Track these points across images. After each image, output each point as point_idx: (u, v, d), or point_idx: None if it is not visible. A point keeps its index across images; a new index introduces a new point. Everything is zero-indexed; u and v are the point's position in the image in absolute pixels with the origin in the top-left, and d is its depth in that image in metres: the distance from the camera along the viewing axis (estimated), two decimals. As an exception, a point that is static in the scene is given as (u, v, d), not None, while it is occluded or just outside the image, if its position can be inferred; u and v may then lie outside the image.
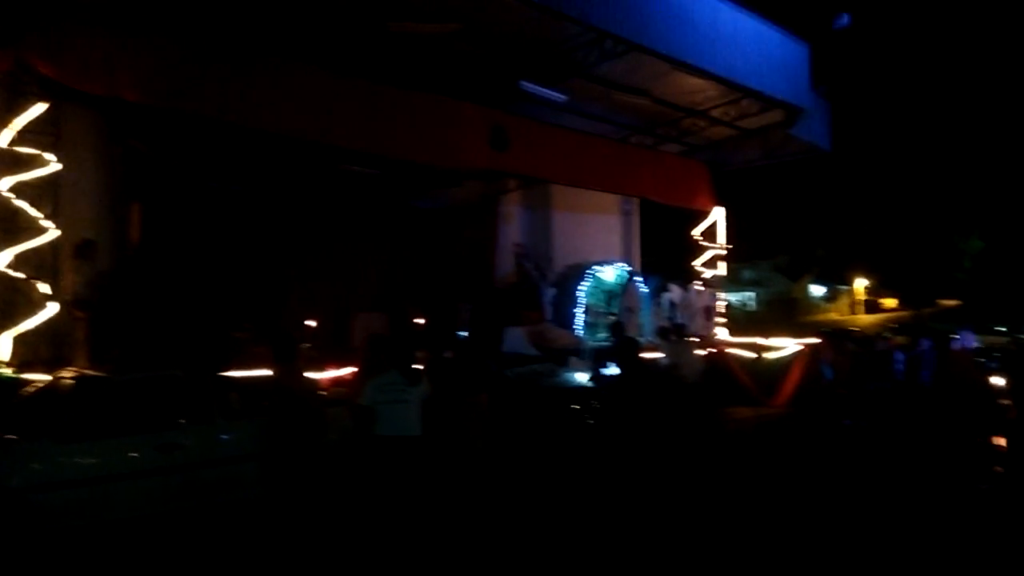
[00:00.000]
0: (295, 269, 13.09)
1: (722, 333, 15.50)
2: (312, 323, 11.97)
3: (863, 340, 14.50)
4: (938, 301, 43.88)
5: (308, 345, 9.72)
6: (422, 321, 12.66)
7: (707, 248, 15.95)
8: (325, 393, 6.94)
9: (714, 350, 12.63)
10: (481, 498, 6.17)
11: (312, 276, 13.31)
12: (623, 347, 7.58)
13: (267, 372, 6.13)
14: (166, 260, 10.95)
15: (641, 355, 8.33)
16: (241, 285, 11.90)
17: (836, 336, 13.53)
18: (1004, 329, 26.91)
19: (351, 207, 13.95)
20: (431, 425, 5.67)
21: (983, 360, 14.68)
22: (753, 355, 13.08)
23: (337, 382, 8.07)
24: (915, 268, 40.91)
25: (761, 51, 12.83)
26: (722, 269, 16.15)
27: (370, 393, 5.55)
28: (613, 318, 14.01)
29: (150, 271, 10.33)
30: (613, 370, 8.87)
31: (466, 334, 11.70)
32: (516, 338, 11.94)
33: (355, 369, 7.12)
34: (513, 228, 16.16)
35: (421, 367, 5.95)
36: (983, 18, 49.29)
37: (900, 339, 19.06)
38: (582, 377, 10.15)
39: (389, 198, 14.64)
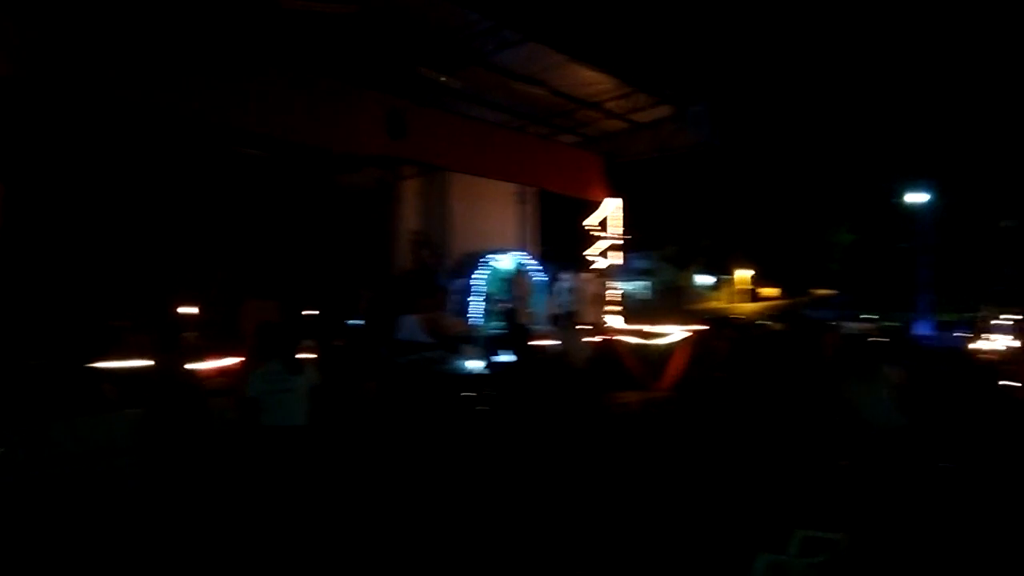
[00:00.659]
0: (182, 255, 12.51)
1: (615, 321, 16.01)
2: (198, 311, 11.50)
3: (742, 327, 15.37)
4: (813, 291, 46.93)
5: (195, 334, 9.35)
6: (316, 309, 12.43)
7: (602, 237, 16.41)
8: (209, 383, 6.73)
9: (604, 337, 13.03)
10: (368, 485, 6.17)
11: (201, 262, 12.77)
12: (515, 334, 7.77)
13: (147, 362, 5.89)
14: (34, 245, 10.23)
15: (532, 342, 8.56)
16: (122, 271, 11.28)
17: (717, 323, 14.24)
18: (875, 316, 29.07)
19: (243, 191, 13.47)
20: (319, 414, 5.62)
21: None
22: (641, 341, 13.58)
23: (222, 372, 7.83)
24: (792, 259, 43.62)
25: (655, 50, 13.28)
26: (618, 258, 16.66)
27: (255, 383, 5.44)
28: (506, 305, 14.21)
29: (15, 256, 9.63)
30: (506, 357, 9.06)
31: (360, 322, 11.58)
32: (410, 325, 11.90)
33: (243, 359, 6.94)
34: (411, 215, 16.07)
35: (306, 356, 5.87)
36: (856, 20, 52.65)
37: (778, 326, 20.35)
38: (475, 364, 10.27)
39: (283, 182, 14.24)
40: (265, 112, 9.77)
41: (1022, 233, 42.37)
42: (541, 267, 16.12)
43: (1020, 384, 7.36)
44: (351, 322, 11.65)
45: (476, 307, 14.40)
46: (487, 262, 14.92)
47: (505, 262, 15.47)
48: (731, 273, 54.71)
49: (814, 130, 43.54)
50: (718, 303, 51.98)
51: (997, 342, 9.10)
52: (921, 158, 38.43)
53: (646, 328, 14.54)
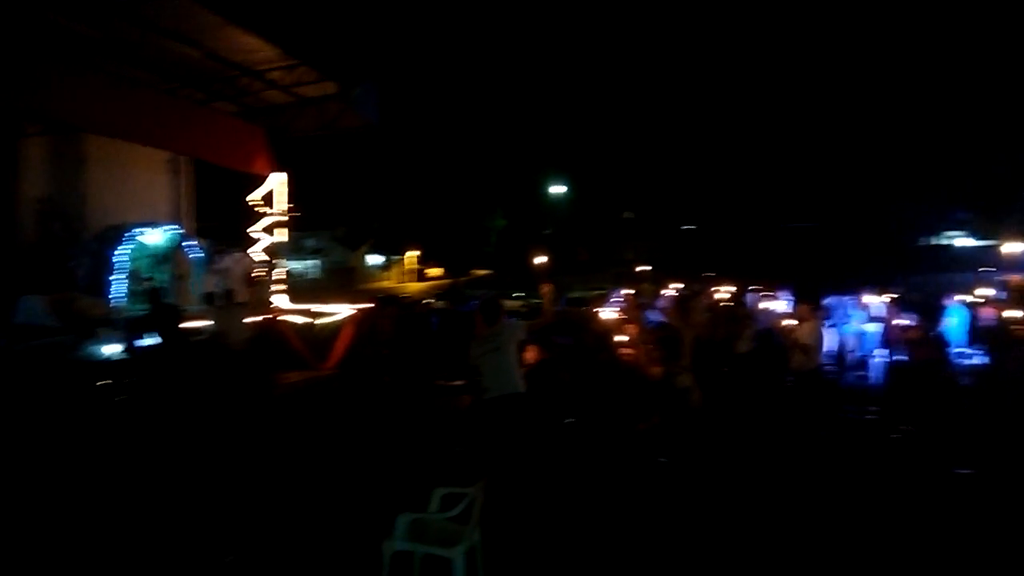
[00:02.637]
0: None
1: (281, 300, 15.55)
2: None
3: (407, 305, 16.03)
4: (473, 271, 50.61)
5: None
6: None
7: (266, 214, 15.79)
8: None
9: (267, 317, 12.61)
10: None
11: None
12: (160, 315, 7.15)
13: None
14: None
15: (182, 324, 7.97)
16: None
17: (383, 301, 14.64)
18: (524, 294, 32.19)
19: None
20: None
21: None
22: (307, 321, 13.42)
23: None
24: (454, 242, 46.56)
25: (316, 22, 13.07)
26: (282, 236, 16.16)
27: None
28: (150, 284, 12.96)
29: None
30: (151, 340, 8.29)
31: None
32: (34, 308, 10.31)
33: None
34: (36, 181, 13.79)
35: None
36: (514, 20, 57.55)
37: (441, 303, 21.61)
38: (113, 349, 9.22)
39: None
40: None
41: (638, 223, 50.50)
42: (198, 243, 14.95)
43: (628, 340, 8.91)
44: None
45: (119, 287, 12.83)
46: (132, 236, 13.37)
47: (155, 237, 14.04)
48: (401, 254, 56.51)
49: (473, 120, 46.81)
50: (388, 283, 53.35)
51: (608, 312, 10.77)
52: (560, 154, 43.64)
53: (314, 307, 14.40)
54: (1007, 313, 11.13)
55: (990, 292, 13.83)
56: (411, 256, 56.24)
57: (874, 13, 73.34)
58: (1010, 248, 15.42)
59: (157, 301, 8.67)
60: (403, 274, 56.48)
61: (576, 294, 22.59)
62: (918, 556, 5.07)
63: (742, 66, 72.41)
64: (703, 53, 66.89)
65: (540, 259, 11.15)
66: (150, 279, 13.64)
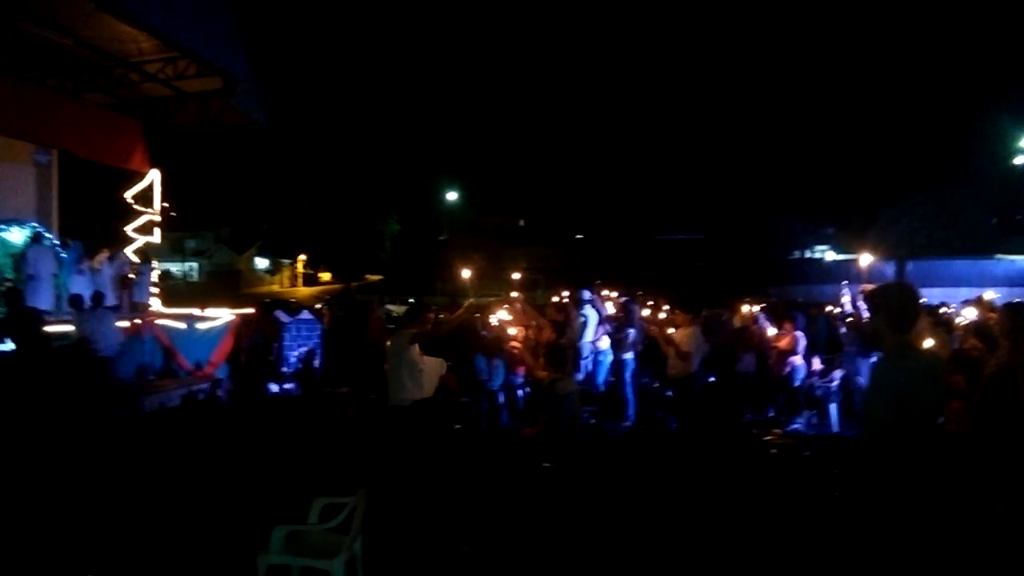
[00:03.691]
0: None
1: (156, 304, 14.74)
2: None
3: (296, 310, 15.59)
4: (366, 276, 49.77)
5: None
6: None
7: (141, 212, 14.95)
8: None
9: (139, 321, 11.92)
10: None
11: None
12: (18, 319, 6.64)
13: None
14: None
15: (43, 327, 7.42)
16: None
17: (267, 306, 14.20)
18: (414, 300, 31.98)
19: None
20: None
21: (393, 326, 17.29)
22: (184, 326, 12.79)
23: None
24: (346, 246, 45.64)
25: (198, 13, 12.44)
26: (157, 236, 15.35)
27: None
28: (8, 285, 12.00)
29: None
30: (6, 346, 7.66)
31: None
32: None
33: None
34: None
35: None
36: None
37: (327, 309, 21.14)
38: (-36, 356, 8.44)
39: None
40: None
41: (531, 232, 51.18)
42: (65, 243, 13.94)
43: (518, 345, 9.22)
44: None
45: (-29, 288, 11.79)
46: (-12, 234, 12.34)
47: (16, 235, 13.00)
48: (291, 257, 54.80)
49: (368, 123, 46.21)
50: (275, 287, 51.63)
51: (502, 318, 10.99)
52: (455, 161, 43.79)
53: (195, 312, 13.74)
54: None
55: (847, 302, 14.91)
56: (301, 259, 54.67)
57: (744, 33, 77.90)
58: (864, 260, 16.78)
59: (16, 304, 8.02)
60: (292, 278, 54.83)
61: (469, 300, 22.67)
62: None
63: (631, 81, 75.06)
64: (590, 66, 68.85)
65: (467, 273, 11.35)
66: (10, 280, 12.61)
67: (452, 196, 36.38)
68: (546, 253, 49.09)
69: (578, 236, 51.47)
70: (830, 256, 49.99)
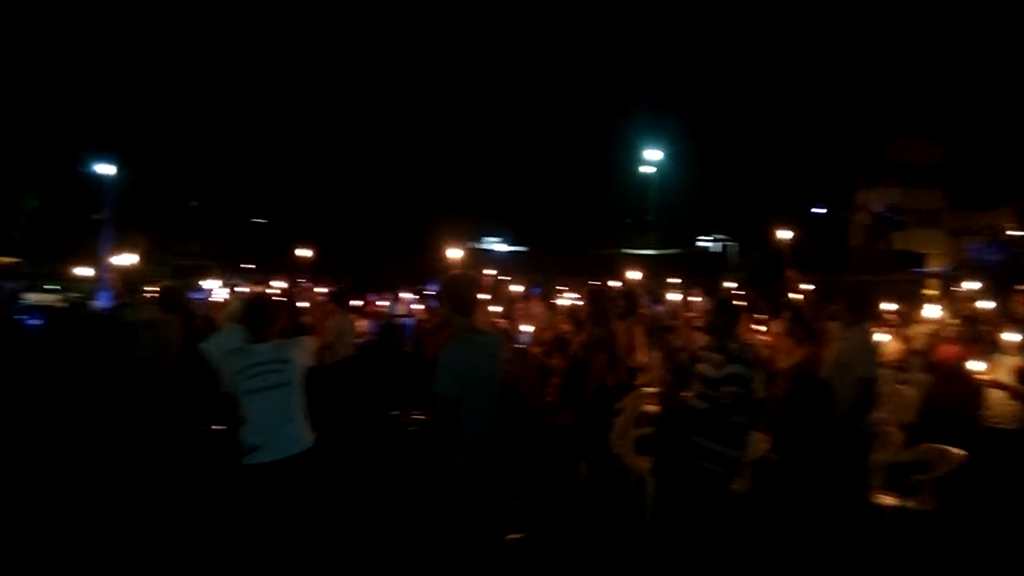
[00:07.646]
0: None
1: None
2: None
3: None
4: (-1, 258, 42.10)
5: None
6: None
7: None
8: None
9: None
10: None
11: None
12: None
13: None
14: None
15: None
16: None
17: None
18: (59, 287, 28.07)
19: None
20: None
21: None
22: None
23: None
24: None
25: None
26: None
27: None
28: None
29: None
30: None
31: None
32: None
33: None
34: None
35: None
36: None
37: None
38: None
39: None
40: None
41: (206, 213, 47.97)
42: None
43: None
44: None
45: None
46: None
47: None
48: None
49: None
50: None
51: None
52: (110, 131, 39.01)
53: None
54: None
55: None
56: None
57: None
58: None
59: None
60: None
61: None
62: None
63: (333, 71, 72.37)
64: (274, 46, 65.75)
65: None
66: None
67: (107, 169, 32.59)
68: (222, 238, 46.21)
69: (258, 220, 49.36)
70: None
